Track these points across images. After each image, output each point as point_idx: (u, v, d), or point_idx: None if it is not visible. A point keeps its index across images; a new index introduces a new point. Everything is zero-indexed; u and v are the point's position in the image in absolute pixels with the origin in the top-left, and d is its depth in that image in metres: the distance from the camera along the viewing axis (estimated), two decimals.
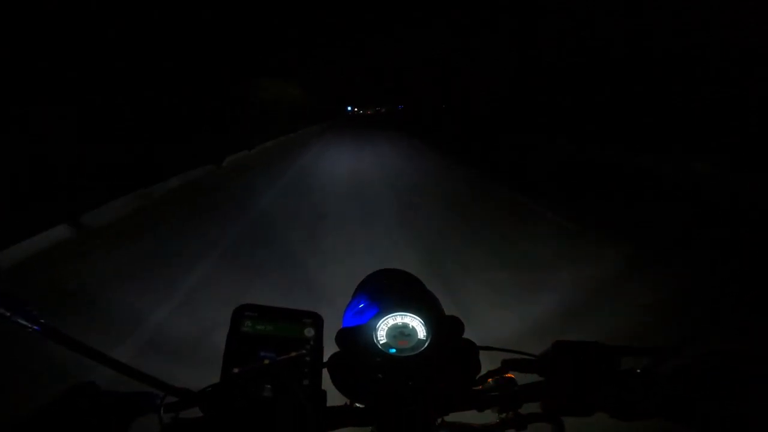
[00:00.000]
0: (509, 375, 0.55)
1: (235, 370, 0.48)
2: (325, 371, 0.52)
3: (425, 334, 0.53)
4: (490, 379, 0.55)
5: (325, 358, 0.53)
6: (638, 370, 0.49)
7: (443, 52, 28.58)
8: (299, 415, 0.46)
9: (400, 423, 0.52)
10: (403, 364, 0.51)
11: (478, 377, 0.54)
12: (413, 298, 0.58)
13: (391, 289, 0.62)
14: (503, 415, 0.57)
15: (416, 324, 0.54)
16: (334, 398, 0.53)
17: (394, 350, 0.52)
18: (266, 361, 0.49)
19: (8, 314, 0.39)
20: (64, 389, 0.47)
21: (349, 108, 60.95)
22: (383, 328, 0.53)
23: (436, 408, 0.52)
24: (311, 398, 0.48)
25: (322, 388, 0.51)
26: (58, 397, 0.46)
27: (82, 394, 0.47)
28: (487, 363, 0.56)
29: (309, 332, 0.52)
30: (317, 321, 0.53)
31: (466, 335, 0.54)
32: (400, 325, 0.53)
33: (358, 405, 0.53)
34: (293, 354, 0.49)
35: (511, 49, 16.83)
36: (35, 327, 0.41)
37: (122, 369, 0.47)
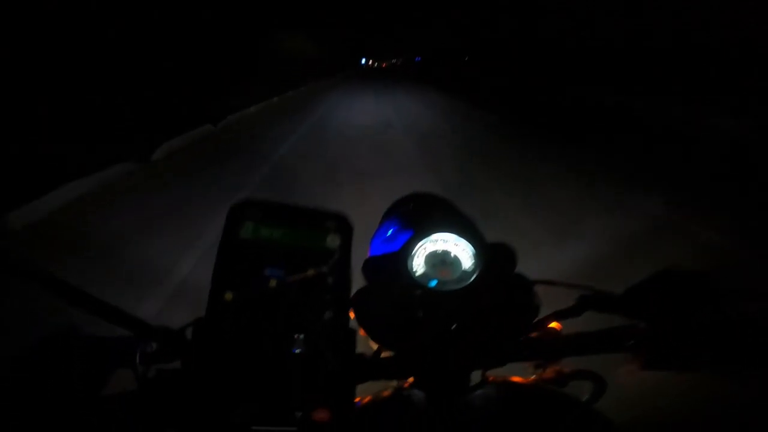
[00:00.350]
0: (554, 324, 0.44)
1: (228, 296, 0.35)
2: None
3: (472, 263, 0.42)
4: (546, 323, 0.44)
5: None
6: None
7: None
8: (318, 364, 0.35)
9: (442, 375, 0.41)
10: (447, 300, 0.40)
11: (535, 321, 0.43)
12: (455, 219, 0.47)
13: (427, 211, 0.50)
14: (540, 371, 0.47)
15: (460, 251, 0.42)
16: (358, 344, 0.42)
17: (434, 282, 0.41)
18: (273, 282, 0.36)
19: None
20: (39, 336, 0.36)
21: (363, 60, 58.40)
22: (420, 254, 0.42)
23: (486, 358, 0.41)
24: (335, 337, 0.37)
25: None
26: (32, 345, 0.35)
27: (59, 342, 0.36)
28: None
29: (333, 241, 0.39)
30: (344, 227, 0.40)
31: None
32: (440, 252, 0.42)
33: (388, 353, 0.42)
34: (311, 272, 0.37)
35: None
36: None
37: (89, 305, 0.34)
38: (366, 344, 0.42)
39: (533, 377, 0.48)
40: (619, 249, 2.34)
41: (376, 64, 65.44)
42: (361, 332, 0.41)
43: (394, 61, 67.54)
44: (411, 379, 0.45)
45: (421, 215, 0.48)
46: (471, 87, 14.91)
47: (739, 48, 7.98)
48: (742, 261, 2.37)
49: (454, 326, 0.40)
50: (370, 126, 7.19)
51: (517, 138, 6.20)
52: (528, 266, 0.44)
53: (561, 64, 12.26)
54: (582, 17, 11.74)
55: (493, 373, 0.45)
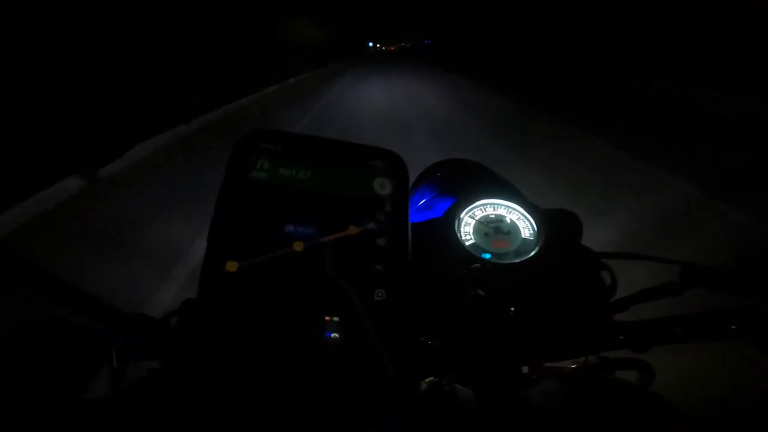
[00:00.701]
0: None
1: (231, 266, 0.25)
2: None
3: (532, 231, 0.34)
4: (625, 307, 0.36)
5: None
6: None
7: None
8: (365, 356, 0.25)
9: (495, 371, 0.33)
10: (503, 276, 0.32)
11: (613, 300, 0.35)
12: (506, 185, 0.39)
13: (468, 175, 0.42)
14: (585, 358, 0.39)
15: (517, 217, 0.35)
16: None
17: (488, 255, 0.32)
18: (297, 244, 0.25)
19: None
20: (24, 323, 0.29)
21: (371, 44, 59.11)
22: (469, 221, 0.34)
23: (553, 349, 0.33)
24: (386, 323, 0.27)
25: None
26: (15, 333, 0.27)
27: (45, 330, 0.28)
28: None
29: (383, 187, 0.29)
30: (397, 168, 0.30)
31: None
32: (493, 217, 0.34)
33: (431, 342, 0.34)
34: (353, 230, 0.27)
35: None
36: None
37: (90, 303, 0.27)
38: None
39: (574, 366, 0.40)
40: (648, 227, 2.32)
41: (384, 48, 65.26)
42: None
43: (403, 44, 66.48)
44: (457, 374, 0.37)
45: (464, 180, 0.40)
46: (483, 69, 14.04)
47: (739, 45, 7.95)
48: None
49: (512, 308, 0.32)
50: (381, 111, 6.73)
51: (537, 119, 5.80)
52: None
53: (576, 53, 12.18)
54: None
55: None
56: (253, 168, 0.28)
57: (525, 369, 0.35)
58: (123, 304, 0.27)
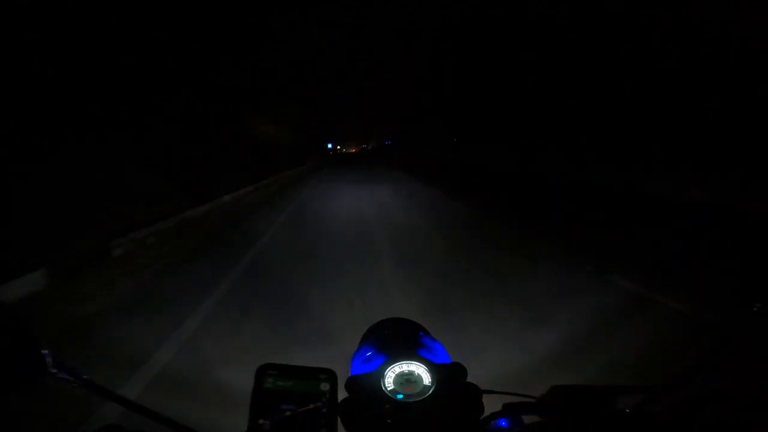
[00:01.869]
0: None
1: (261, 422, 0.53)
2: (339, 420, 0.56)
3: (430, 380, 0.56)
4: (493, 422, 0.60)
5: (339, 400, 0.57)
6: (628, 410, 0.53)
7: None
8: None
9: None
10: (410, 409, 0.55)
11: (482, 419, 0.57)
12: (418, 346, 0.61)
13: (397, 338, 0.65)
14: None
15: (421, 371, 0.57)
16: None
17: (401, 396, 0.55)
18: (288, 413, 0.54)
19: (55, 371, 0.49)
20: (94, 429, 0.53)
21: (330, 145, 52.62)
22: (390, 375, 0.57)
23: None
24: None
25: None
26: None
27: None
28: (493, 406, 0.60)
29: (324, 386, 0.57)
30: (331, 376, 0.58)
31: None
32: (406, 372, 0.57)
33: None
34: (311, 406, 0.54)
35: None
36: (78, 382, 0.50)
37: (159, 419, 0.53)
38: None
39: None
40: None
41: (344, 150, 60.93)
42: None
43: (364, 146, 64.92)
44: None
45: (392, 343, 0.63)
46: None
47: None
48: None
49: (417, 428, 0.54)
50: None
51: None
52: None
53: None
54: None
55: None
56: (266, 382, 0.56)
57: None
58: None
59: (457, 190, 11.61)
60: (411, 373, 0.57)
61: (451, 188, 12.03)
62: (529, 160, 13.49)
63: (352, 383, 0.57)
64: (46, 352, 0.49)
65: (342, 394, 0.58)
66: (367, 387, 0.56)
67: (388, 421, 0.54)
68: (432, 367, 0.57)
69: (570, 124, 13.10)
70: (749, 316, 0.46)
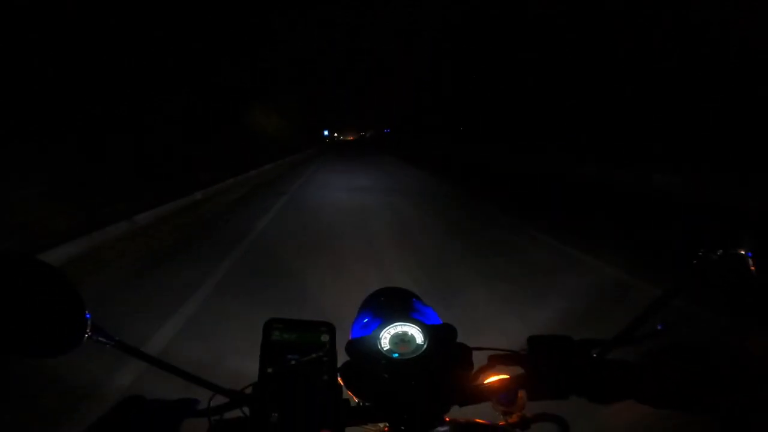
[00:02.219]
0: (506, 375, 0.62)
1: (269, 370, 0.57)
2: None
3: (422, 339, 0.61)
4: (483, 375, 0.62)
5: (339, 365, 0.61)
6: (606, 359, 0.57)
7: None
8: (322, 402, 0.56)
9: (407, 418, 0.59)
10: (405, 366, 0.59)
11: (472, 373, 0.62)
12: (410, 310, 0.66)
13: (391, 304, 0.70)
14: (507, 416, 0.64)
15: (414, 332, 0.61)
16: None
17: (396, 355, 0.60)
18: (293, 362, 0.58)
19: (89, 333, 0.52)
20: (114, 404, 0.55)
21: (327, 132, 47.68)
22: (386, 336, 0.61)
23: (438, 403, 0.59)
24: (330, 388, 0.58)
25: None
26: (108, 412, 0.54)
27: (131, 407, 0.56)
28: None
29: (324, 338, 0.61)
30: (330, 329, 0.62)
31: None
32: (400, 333, 0.61)
33: (369, 405, 0.60)
34: (313, 355, 0.59)
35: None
36: (112, 343, 0.55)
37: (180, 373, 0.58)
38: (352, 400, 0.61)
39: (501, 422, 0.64)
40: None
41: (341, 137, 58.30)
42: (348, 392, 0.60)
43: (363, 133, 63.11)
44: (386, 426, 0.63)
45: (387, 308, 0.67)
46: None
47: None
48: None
49: (412, 383, 0.58)
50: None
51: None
52: None
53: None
54: None
55: (459, 416, 0.62)
56: (272, 335, 0.60)
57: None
58: None
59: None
60: (405, 334, 0.61)
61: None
62: (528, 159, 13.53)
63: (351, 346, 0.61)
64: (88, 313, 0.52)
65: (343, 358, 0.61)
66: (364, 348, 0.60)
67: (385, 376, 0.59)
68: (424, 328, 0.61)
69: (570, 123, 13.14)
70: (692, 267, 0.49)
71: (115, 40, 8.32)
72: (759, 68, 8.02)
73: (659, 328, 0.53)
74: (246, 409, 0.58)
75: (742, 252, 0.46)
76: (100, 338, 0.53)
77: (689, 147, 8.78)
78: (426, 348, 0.60)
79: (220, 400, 0.59)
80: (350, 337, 0.65)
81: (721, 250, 0.47)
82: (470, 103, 22.39)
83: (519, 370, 0.61)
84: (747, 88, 8.26)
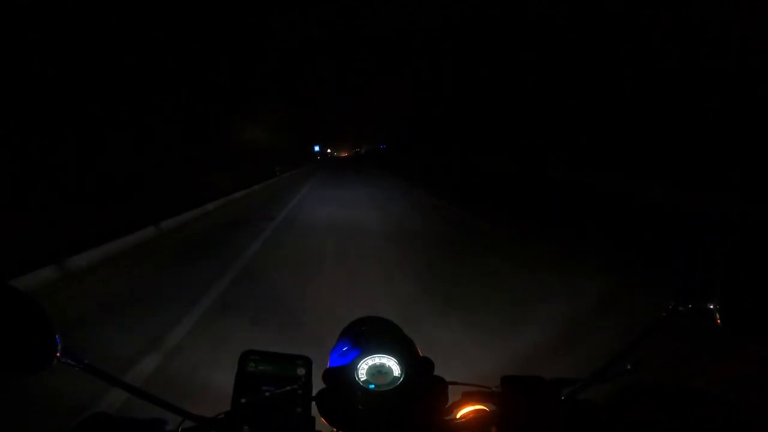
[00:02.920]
0: (482, 407, 0.63)
1: (243, 401, 0.58)
2: (314, 405, 0.60)
3: (399, 372, 0.61)
4: (456, 409, 0.63)
5: (315, 392, 0.61)
6: (576, 400, 0.59)
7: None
8: None
9: None
10: (381, 397, 0.60)
11: (447, 407, 0.62)
12: (390, 342, 0.66)
13: (371, 334, 0.70)
14: None
15: (392, 364, 0.62)
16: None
17: (373, 386, 0.60)
18: (267, 394, 0.59)
19: (59, 356, 0.53)
20: (78, 420, 0.55)
21: (318, 148, 38.03)
22: (363, 367, 0.62)
23: None
24: (302, 421, 0.59)
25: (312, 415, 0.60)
26: (73, 428, 0.54)
27: (95, 423, 0.56)
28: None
29: (300, 371, 0.63)
30: (307, 362, 0.64)
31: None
32: (378, 364, 0.62)
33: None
34: (288, 388, 0.60)
35: None
36: (81, 366, 0.55)
37: (149, 398, 0.58)
38: (327, 428, 0.61)
39: None
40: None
41: (335, 153, 54.23)
42: (323, 420, 0.60)
43: (357, 149, 60.19)
44: None
45: (366, 339, 0.68)
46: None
47: None
48: None
49: (387, 415, 0.59)
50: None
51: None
52: None
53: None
54: None
55: None
56: (248, 366, 0.62)
57: None
58: None
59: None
60: (382, 366, 0.62)
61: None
62: (529, 164, 13.54)
63: (328, 374, 0.62)
64: (58, 337, 0.53)
65: (319, 385, 0.62)
66: (341, 378, 0.61)
67: (360, 407, 0.60)
68: (402, 360, 0.62)
69: (570, 123, 13.13)
70: (661, 317, 0.51)
71: (114, 40, 8.30)
72: (759, 68, 7.99)
73: (628, 368, 0.54)
74: None
75: (710, 306, 0.47)
76: (69, 361, 0.54)
77: (688, 150, 8.76)
78: (402, 380, 0.60)
79: (190, 425, 0.60)
80: (329, 365, 0.66)
81: (690, 305, 0.49)
82: (472, 107, 22.27)
83: (492, 407, 0.62)
84: (747, 88, 8.24)
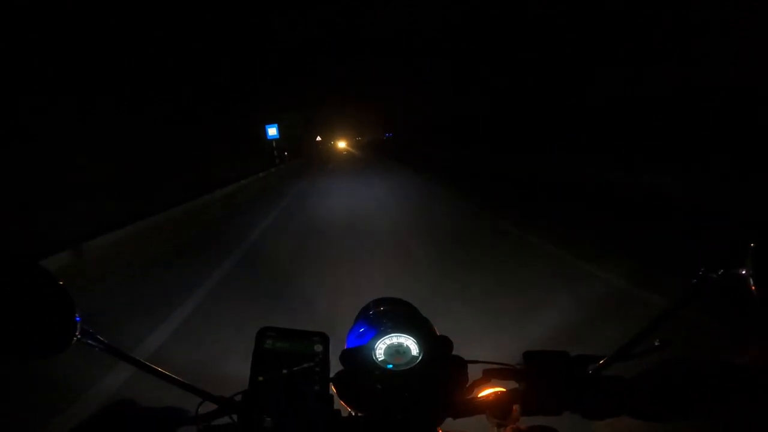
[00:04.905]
0: (501, 388, 0.62)
1: (260, 379, 0.57)
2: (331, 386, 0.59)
3: (418, 351, 0.60)
4: (477, 388, 0.62)
5: (332, 374, 0.60)
6: (602, 375, 0.57)
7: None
8: (312, 413, 0.55)
9: (400, 429, 0.59)
10: (399, 377, 0.59)
11: (467, 386, 0.61)
12: (407, 321, 0.65)
13: (387, 314, 0.69)
14: (501, 429, 0.63)
15: (410, 343, 0.61)
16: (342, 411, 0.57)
17: (391, 366, 0.59)
18: (284, 371, 0.58)
19: (78, 336, 0.52)
20: (102, 406, 0.55)
21: (275, 131, 23.21)
22: (381, 347, 0.60)
23: (431, 416, 0.59)
24: (321, 398, 0.57)
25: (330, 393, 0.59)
26: (93, 416, 0.54)
27: (117, 411, 0.56)
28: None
29: (318, 348, 0.60)
30: (324, 339, 0.62)
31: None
32: (395, 344, 0.61)
33: (361, 415, 0.60)
34: (305, 365, 0.58)
35: None
36: (100, 346, 0.55)
37: (169, 379, 0.57)
38: (345, 410, 0.60)
39: None
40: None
41: (330, 143, 48.70)
42: (341, 402, 0.60)
43: (358, 138, 57.94)
44: None
45: (383, 319, 0.66)
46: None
47: None
48: None
49: (405, 394, 0.58)
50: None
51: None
52: None
53: None
54: None
55: (453, 428, 0.62)
56: (265, 344, 0.59)
57: None
58: None
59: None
60: (400, 345, 0.61)
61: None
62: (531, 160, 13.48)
63: (345, 355, 0.61)
64: (77, 317, 0.52)
65: (337, 367, 0.61)
66: (359, 358, 0.60)
67: (378, 387, 0.59)
68: (419, 340, 0.61)
69: (570, 123, 13.12)
70: (691, 285, 0.48)
71: (115, 40, 8.30)
72: (759, 68, 8.00)
73: (657, 344, 0.52)
74: (235, 417, 0.58)
75: (743, 272, 0.44)
76: (89, 341, 0.54)
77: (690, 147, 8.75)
78: (421, 360, 0.59)
79: (208, 406, 0.59)
80: (345, 347, 0.65)
81: (721, 270, 0.46)
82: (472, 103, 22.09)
83: (513, 384, 0.60)
84: (746, 88, 8.25)
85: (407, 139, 38.51)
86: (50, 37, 7.07)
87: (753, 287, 0.43)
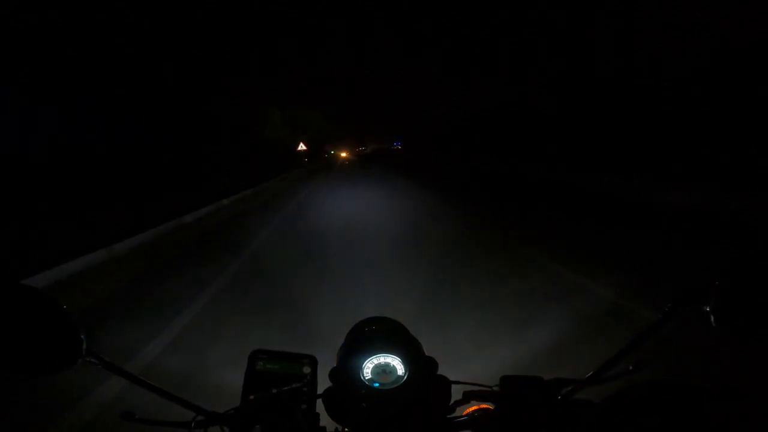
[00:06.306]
0: (486, 406, 0.64)
1: (251, 397, 0.61)
2: (320, 402, 0.62)
3: (404, 371, 0.63)
4: (458, 408, 0.64)
5: (321, 390, 0.63)
6: (572, 399, 0.59)
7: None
8: (299, 430, 0.59)
9: None
10: (385, 395, 0.61)
11: (450, 405, 0.63)
12: (394, 342, 0.67)
13: (376, 334, 0.71)
14: None
15: (396, 363, 0.63)
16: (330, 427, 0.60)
17: (377, 384, 0.62)
18: (274, 391, 0.61)
19: (83, 355, 0.55)
20: (101, 416, 0.58)
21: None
22: (368, 366, 0.63)
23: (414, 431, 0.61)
24: (307, 418, 0.61)
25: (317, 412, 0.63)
26: (95, 423, 0.57)
27: (118, 422, 0.59)
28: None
29: (306, 370, 0.65)
30: (313, 361, 0.66)
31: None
32: (383, 364, 0.63)
33: (348, 430, 0.62)
34: (294, 386, 0.62)
35: None
36: (106, 366, 0.57)
37: (166, 395, 0.60)
38: (331, 425, 0.63)
39: None
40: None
41: (332, 152, 47.28)
42: (329, 418, 0.62)
43: (362, 148, 57.83)
44: None
45: (372, 339, 0.69)
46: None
47: None
48: None
49: (390, 412, 0.61)
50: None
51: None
52: None
53: None
54: None
55: None
56: (257, 365, 0.64)
57: None
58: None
59: None
60: (387, 365, 0.64)
61: None
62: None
63: (334, 373, 0.63)
64: (83, 337, 0.55)
65: (325, 383, 0.64)
66: (347, 376, 0.63)
67: (364, 405, 0.61)
68: (406, 360, 0.63)
69: (571, 127, 13.09)
70: (661, 316, 0.52)
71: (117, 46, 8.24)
72: (759, 68, 7.99)
73: (630, 368, 0.55)
74: (226, 429, 0.61)
75: (707, 308, 0.49)
76: (93, 360, 0.56)
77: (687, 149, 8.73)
78: (406, 380, 0.62)
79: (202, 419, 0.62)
80: (335, 364, 0.67)
81: (688, 305, 0.51)
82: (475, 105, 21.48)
83: (492, 405, 0.63)
84: (747, 88, 8.23)
85: (425, 147, 32.31)
86: (46, 36, 7.08)
87: (714, 324, 0.47)
